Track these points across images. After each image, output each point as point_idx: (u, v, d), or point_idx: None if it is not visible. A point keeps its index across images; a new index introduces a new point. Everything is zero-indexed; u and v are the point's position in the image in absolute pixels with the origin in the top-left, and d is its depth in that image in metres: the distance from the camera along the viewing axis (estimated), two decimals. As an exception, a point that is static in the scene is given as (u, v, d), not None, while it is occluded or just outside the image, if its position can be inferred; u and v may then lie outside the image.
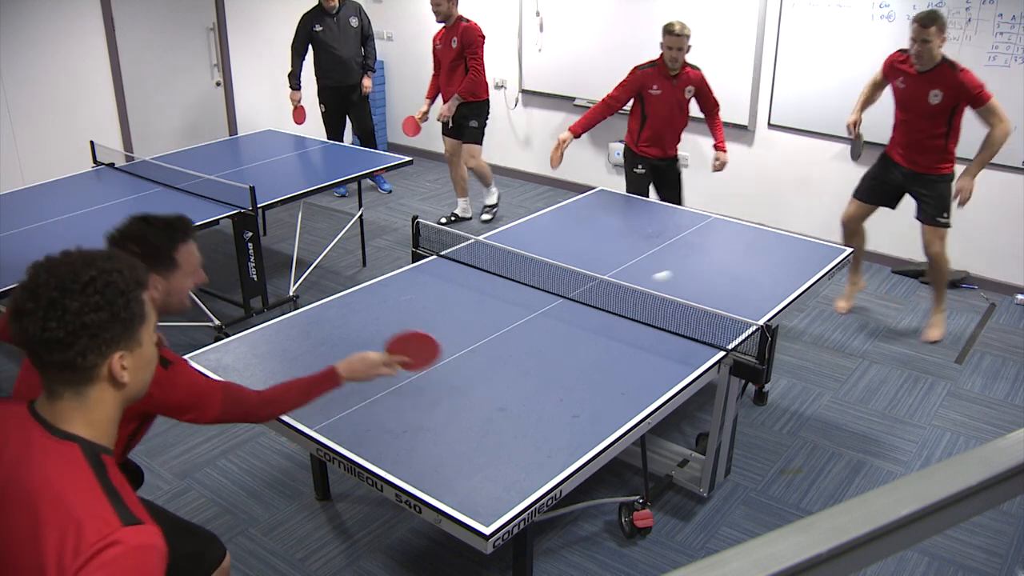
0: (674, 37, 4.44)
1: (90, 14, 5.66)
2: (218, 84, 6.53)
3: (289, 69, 6.13)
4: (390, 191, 6.83)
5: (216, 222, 4.24)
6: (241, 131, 6.59)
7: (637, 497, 3.11)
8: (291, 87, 6.14)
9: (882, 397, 4.05)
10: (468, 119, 5.89)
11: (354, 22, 6.14)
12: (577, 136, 4.66)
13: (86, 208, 4.40)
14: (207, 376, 2.12)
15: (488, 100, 5.99)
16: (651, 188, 4.90)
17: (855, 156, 4.74)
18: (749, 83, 5.65)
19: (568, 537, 3.12)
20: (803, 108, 5.49)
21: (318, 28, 6.04)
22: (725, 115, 5.66)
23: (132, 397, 1.36)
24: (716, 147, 4.80)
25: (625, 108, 4.74)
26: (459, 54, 5.76)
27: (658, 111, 4.64)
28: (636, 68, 4.61)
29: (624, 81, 4.61)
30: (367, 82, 6.31)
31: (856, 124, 4.54)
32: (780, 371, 4.25)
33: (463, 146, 5.97)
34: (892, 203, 4.57)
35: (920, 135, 4.26)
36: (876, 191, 4.54)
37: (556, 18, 6.44)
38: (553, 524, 3.16)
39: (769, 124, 5.69)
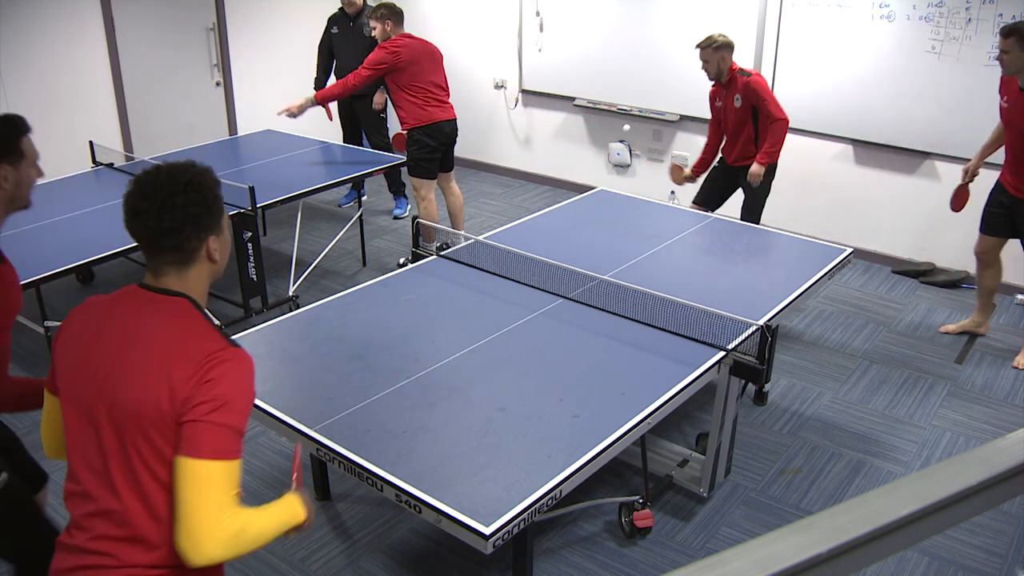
0: (699, 51, 4.56)
1: (90, 14, 5.66)
2: (218, 84, 6.53)
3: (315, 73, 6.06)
4: (401, 216, 6.39)
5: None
6: (241, 131, 6.59)
7: (637, 497, 3.11)
8: (315, 89, 5.87)
9: (882, 397, 4.05)
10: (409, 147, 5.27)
11: (368, 30, 5.75)
12: (695, 178, 4.95)
13: (86, 208, 4.40)
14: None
15: (417, 130, 5.13)
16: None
17: (953, 207, 4.47)
18: (749, 83, 5.64)
19: (568, 537, 3.12)
20: (803, 108, 5.49)
21: (335, 30, 5.99)
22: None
23: (217, 273, 1.74)
24: (741, 148, 4.71)
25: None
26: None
27: (722, 120, 4.78)
28: (712, 85, 4.78)
29: (710, 105, 4.84)
30: (378, 98, 5.93)
31: (968, 172, 4.34)
32: (780, 371, 4.25)
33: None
34: (1013, 231, 4.29)
35: (1020, 156, 4.08)
36: (993, 221, 4.32)
37: (556, 18, 6.44)
38: (553, 524, 3.16)
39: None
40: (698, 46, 4.55)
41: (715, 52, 4.50)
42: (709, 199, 4.90)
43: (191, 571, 1.57)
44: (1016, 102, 4.04)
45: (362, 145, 6.15)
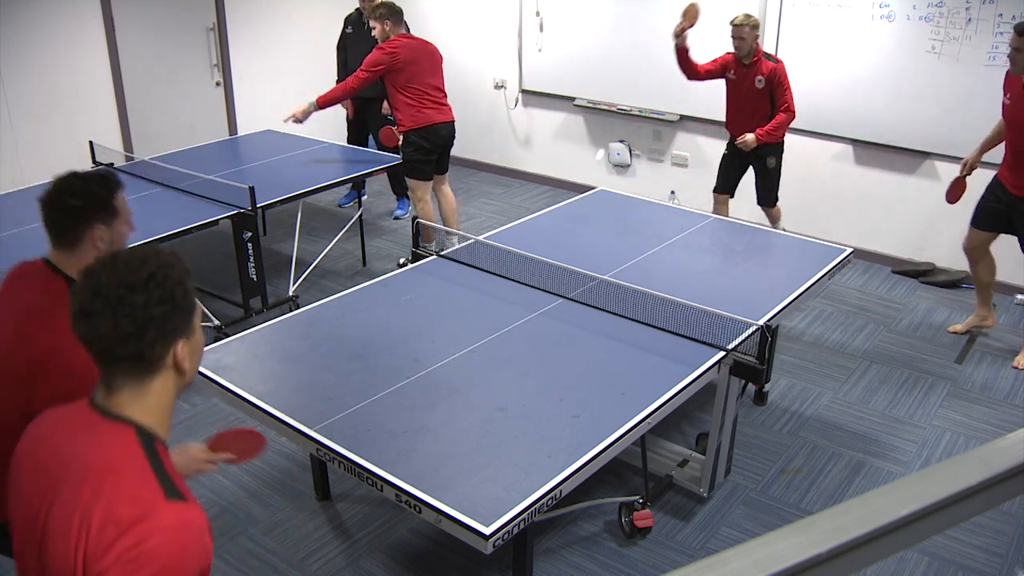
0: (733, 27, 4.75)
1: (90, 14, 5.66)
2: (218, 84, 6.52)
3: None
4: (401, 216, 6.40)
5: (216, 222, 4.24)
6: (241, 131, 6.59)
7: (637, 497, 3.11)
8: None
9: (882, 397, 4.05)
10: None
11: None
12: (686, 28, 4.90)
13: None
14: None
15: (413, 132, 5.08)
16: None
17: (948, 199, 4.52)
18: (749, 83, 5.64)
19: (568, 537, 3.12)
20: (803, 108, 5.47)
21: (349, 30, 5.97)
22: (724, 115, 5.64)
23: (186, 383, 1.44)
24: (753, 129, 4.92)
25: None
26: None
27: (732, 95, 4.99)
28: (728, 52, 4.95)
29: (718, 57, 4.97)
30: (387, 104, 5.62)
31: (966, 165, 4.38)
32: (780, 371, 4.25)
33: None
34: (1008, 228, 4.31)
35: (1020, 153, 4.10)
36: (988, 216, 4.34)
37: (556, 18, 6.44)
38: (553, 524, 3.16)
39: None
40: (737, 24, 4.72)
41: (752, 31, 4.74)
42: (728, 185, 5.21)
43: None
44: (1020, 100, 4.04)
45: (367, 147, 6.12)
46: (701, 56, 4.98)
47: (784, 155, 5.10)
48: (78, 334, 1.31)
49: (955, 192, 4.45)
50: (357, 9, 5.95)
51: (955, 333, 4.65)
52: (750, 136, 4.84)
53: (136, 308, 1.29)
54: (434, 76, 5.12)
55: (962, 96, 4.90)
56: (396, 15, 5.04)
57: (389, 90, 5.09)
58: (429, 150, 5.13)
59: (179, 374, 1.40)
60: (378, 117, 5.98)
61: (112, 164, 5.09)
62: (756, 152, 4.97)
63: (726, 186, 5.21)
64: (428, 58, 5.09)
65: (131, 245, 1.47)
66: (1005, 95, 4.15)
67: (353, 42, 5.94)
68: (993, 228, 4.34)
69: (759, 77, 4.84)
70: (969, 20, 4.76)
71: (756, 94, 4.86)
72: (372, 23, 5.07)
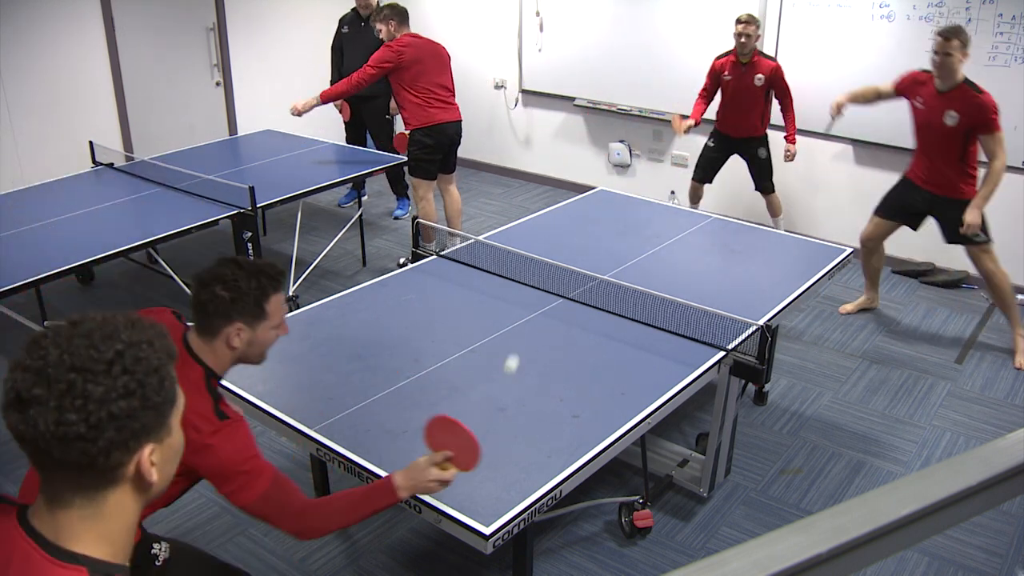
0: (740, 24, 4.95)
1: (90, 14, 5.66)
2: (218, 84, 6.52)
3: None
4: (401, 216, 6.39)
5: (216, 222, 4.24)
6: (241, 131, 6.59)
7: (637, 497, 3.11)
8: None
9: (882, 397, 4.05)
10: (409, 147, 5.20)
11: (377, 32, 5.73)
12: (697, 124, 5.33)
13: (86, 208, 4.40)
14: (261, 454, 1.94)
15: (418, 130, 5.10)
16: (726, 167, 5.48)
17: (829, 129, 4.95)
18: (749, 83, 5.64)
19: (568, 537, 3.12)
20: (803, 108, 5.48)
21: (345, 30, 5.97)
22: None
23: (154, 497, 1.09)
24: (786, 139, 5.18)
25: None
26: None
27: (727, 93, 5.21)
28: (715, 57, 5.21)
29: (708, 73, 5.28)
30: (394, 104, 5.65)
31: (839, 107, 4.62)
32: (780, 371, 4.25)
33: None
34: (914, 223, 4.52)
35: (938, 159, 4.23)
36: (897, 209, 4.50)
37: (556, 18, 6.44)
38: (553, 524, 3.16)
39: (769, 124, 5.69)
40: (745, 20, 4.90)
41: (756, 29, 4.94)
42: (708, 176, 5.52)
43: None
44: (933, 104, 4.17)
45: (366, 147, 6.11)
46: (691, 82, 5.38)
47: (780, 155, 5.12)
48: (8, 425, 0.97)
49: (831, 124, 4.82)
50: (354, 9, 5.95)
51: (846, 313, 4.86)
52: (793, 147, 5.19)
53: (90, 400, 0.95)
54: (442, 75, 5.14)
55: (962, 96, 4.89)
56: (400, 15, 5.06)
57: (395, 88, 5.11)
58: (433, 148, 5.13)
59: (143, 488, 1.05)
60: (375, 116, 5.99)
61: (112, 164, 5.09)
62: (745, 145, 5.25)
63: (705, 177, 5.52)
64: (435, 58, 5.11)
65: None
66: (913, 99, 4.28)
67: (350, 41, 5.94)
68: (898, 219, 4.54)
69: (759, 75, 4.99)
70: (969, 20, 4.76)
71: (754, 92, 5.04)
72: (378, 25, 5.09)
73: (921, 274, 5.31)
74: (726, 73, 5.11)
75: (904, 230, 4.60)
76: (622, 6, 6.06)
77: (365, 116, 6.05)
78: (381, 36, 5.11)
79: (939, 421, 3.86)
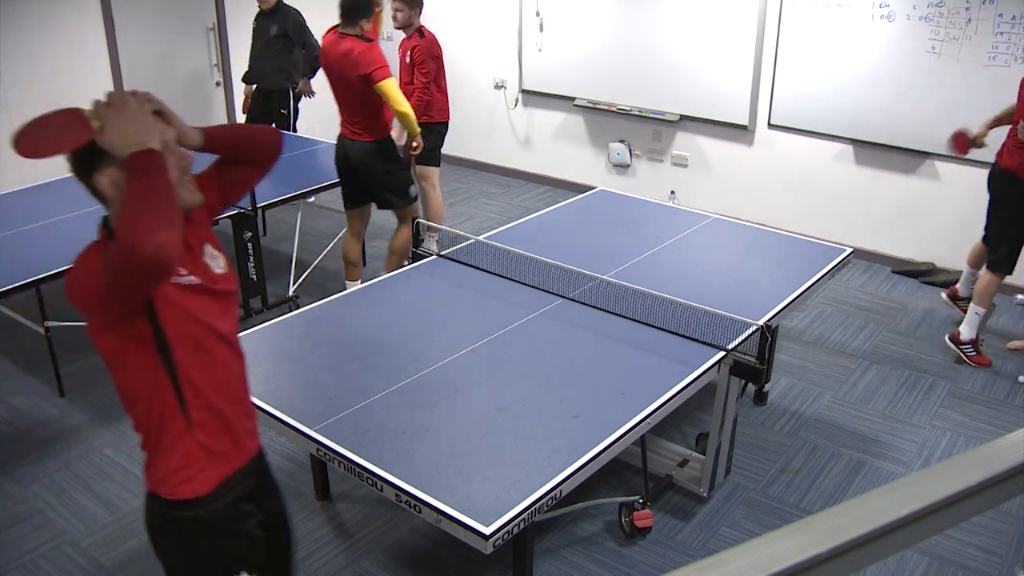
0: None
1: (90, 14, 5.66)
2: (218, 84, 6.53)
3: None
4: None
5: (215, 222, 4.24)
6: (241, 131, 6.58)
7: (637, 497, 3.11)
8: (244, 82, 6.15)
9: (882, 397, 4.05)
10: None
11: (273, 29, 5.91)
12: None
13: (86, 208, 4.39)
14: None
15: (440, 123, 5.32)
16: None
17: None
18: (749, 83, 5.65)
19: (568, 537, 3.12)
20: (803, 108, 5.49)
21: (254, 24, 6.05)
22: (725, 115, 5.65)
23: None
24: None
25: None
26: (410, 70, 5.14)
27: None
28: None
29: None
30: (303, 85, 6.06)
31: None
32: (780, 371, 4.25)
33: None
34: None
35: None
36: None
37: (556, 18, 6.44)
38: (553, 524, 3.16)
39: (769, 124, 5.69)
40: None
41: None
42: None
43: None
44: None
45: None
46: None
47: (784, 155, 5.10)
48: None
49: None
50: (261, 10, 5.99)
51: (1015, 350, 4.45)
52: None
53: None
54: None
55: (962, 96, 4.90)
56: (419, 3, 5.08)
57: (421, 84, 5.18)
58: (443, 139, 5.41)
59: None
60: (275, 108, 6.05)
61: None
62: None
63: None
64: (442, 54, 5.26)
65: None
66: None
67: (253, 37, 6.01)
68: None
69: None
70: (969, 20, 4.76)
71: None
72: (395, 7, 4.96)
73: (921, 274, 5.31)
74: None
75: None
76: (622, 6, 6.06)
77: (267, 106, 6.10)
78: (396, 18, 5.02)
79: (939, 421, 3.86)
